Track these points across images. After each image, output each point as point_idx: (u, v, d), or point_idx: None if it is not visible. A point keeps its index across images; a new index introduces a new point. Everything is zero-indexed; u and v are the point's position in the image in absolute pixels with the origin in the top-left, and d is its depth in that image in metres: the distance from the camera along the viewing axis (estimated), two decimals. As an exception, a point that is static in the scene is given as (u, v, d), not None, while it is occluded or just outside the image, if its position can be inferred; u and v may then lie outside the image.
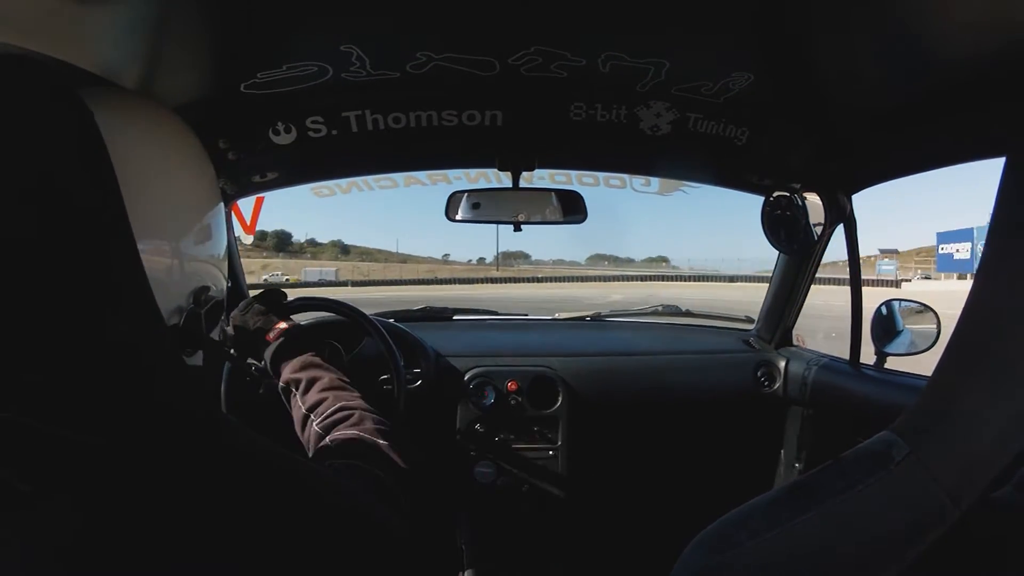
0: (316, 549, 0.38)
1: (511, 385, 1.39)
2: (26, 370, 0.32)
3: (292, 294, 1.12)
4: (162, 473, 0.35)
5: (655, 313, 1.87)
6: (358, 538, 0.42)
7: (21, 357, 0.32)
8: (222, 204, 0.58)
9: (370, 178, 1.52)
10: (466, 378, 1.40)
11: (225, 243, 0.59)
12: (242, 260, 1.51)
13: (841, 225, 1.35)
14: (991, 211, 0.38)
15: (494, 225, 1.45)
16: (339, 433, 0.67)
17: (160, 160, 0.49)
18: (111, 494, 0.34)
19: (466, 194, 1.37)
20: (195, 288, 0.51)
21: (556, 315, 1.90)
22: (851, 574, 0.35)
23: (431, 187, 1.61)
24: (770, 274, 1.58)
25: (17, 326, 0.32)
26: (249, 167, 1.31)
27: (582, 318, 1.83)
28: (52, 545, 0.32)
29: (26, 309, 0.32)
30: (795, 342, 1.60)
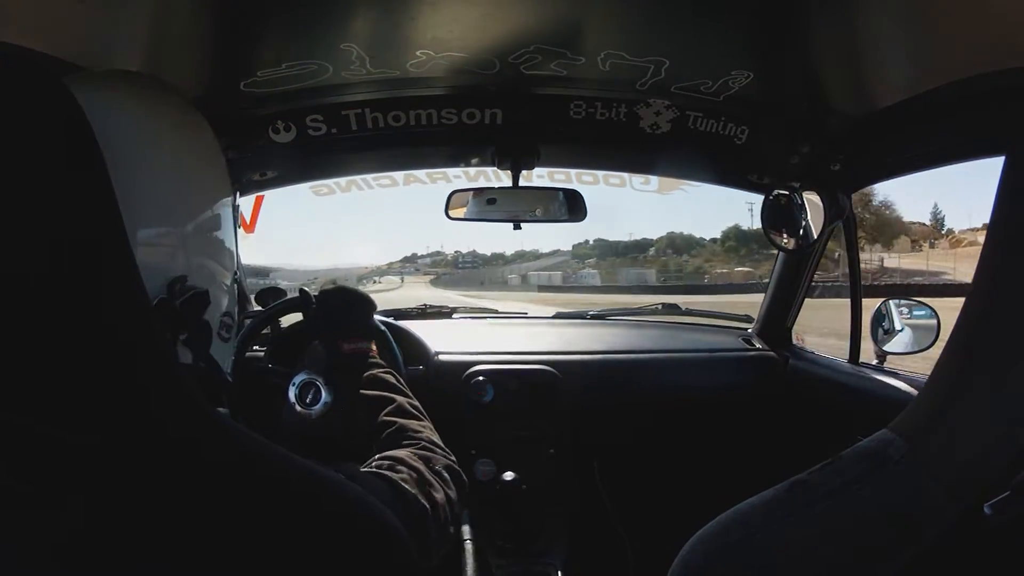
0: (312, 547, 0.38)
1: (511, 383, 1.39)
2: (16, 370, 0.32)
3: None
4: (157, 472, 0.35)
5: (655, 312, 1.87)
6: (355, 537, 0.42)
7: (10, 357, 0.32)
8: (227, 197, 0.57)
9: (370, 177, 1.52)
10: (465, 375, 1.40)
11: (230, 237, 0.58)
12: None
13: (840, 224, 1.35)
14: (991, 209, 0.38)
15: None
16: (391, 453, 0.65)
17: (144, 144, 0.47)
18: (110, 494, 0.34)
19: (465, 193, 1.37)
20: (171, 278, 0.49)
21: (556, 313, 1.90)
22: (848, 572, 0.35)
23: (431, 186, 1.61)
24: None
25: (5, 325, 0.32)
26: (249, 166, 1.31)
27: (583, 315, 1.83)
28: (51, 545, 0.32)
29: (13, 309, 0.32)
30: (795, 341, 1.60)
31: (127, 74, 0.51)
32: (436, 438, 0.71)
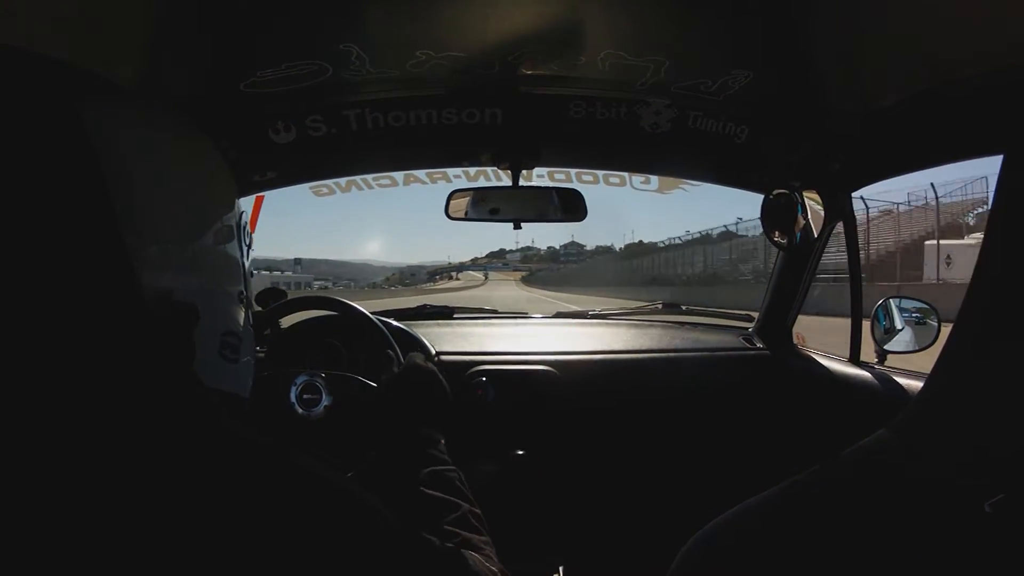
0: (311, 543, 0.38)
1: (512, 383, 1.39)
2: (13, 371, 0.33)
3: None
4: (153, 471, 0.35)
5: (655, 311, 1.87)
6: (354, 531, 0.42)
7: (9, 358, 0.33)
8: (230, 212, 0.55)
9: (370, 177, 1.52)
10: (466, 376, 1.40)
11: (235, 250, 0.55)
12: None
13: (840, 223, 1.35)
14: (990, 206, 0.38)
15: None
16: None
17: (145, 162, 0.46)
18: (106, 493, 0.34)
19: (466, 193, 1.37)
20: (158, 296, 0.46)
21: (556, 313, 1.90)
22: (847, 573, 0.35)
23: (431, 186, 1.61)
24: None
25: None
26: (249, 166, 1.31)
27: (583, 315, 1.83)
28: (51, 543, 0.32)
29: (11, 311, 0.33)
30: (795, 340, 1.60)
31: (130, 92, 0.51)
32: (494, 557, 0.66)
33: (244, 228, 0.57)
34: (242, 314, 0.56)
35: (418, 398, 0.85)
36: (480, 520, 0.71)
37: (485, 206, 1.36)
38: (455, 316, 1.73)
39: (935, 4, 0.74)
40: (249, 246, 0.59)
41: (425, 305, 1.75)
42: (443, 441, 0.81)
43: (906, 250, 15.37)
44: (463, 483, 0.76)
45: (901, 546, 0.34)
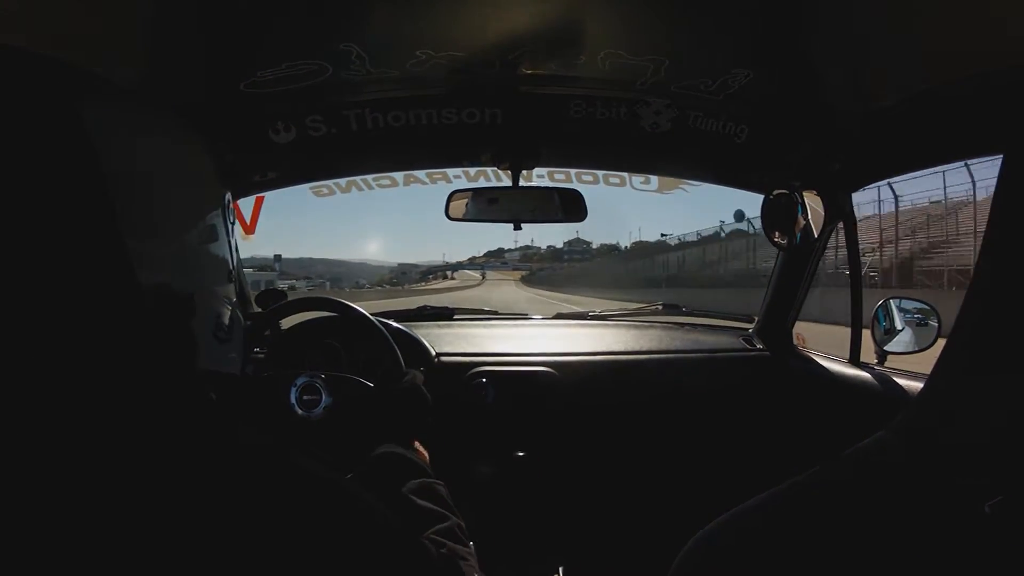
0: (312, 543, 0.38)
1: (512, 384, 1.39)
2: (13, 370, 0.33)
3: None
4: (154, 469, 0.35)
5: (656, 312, 1.87)
6: (355, 531, 0.42)
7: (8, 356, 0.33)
8: (216, 209, 0.56)
9: (370, 177, 1.52)
10: (466, 377, 1.40)
11: (224, 246, 0.57)
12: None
13: (840, 224, 1.35)
14: (991, 207, 0.38)
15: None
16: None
17: (137, 160, 0.45)
18: (106, 492, 0.34)
19: (465, 193, 1.37)
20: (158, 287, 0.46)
21: (557, 314, 1.90)
22: (847, 574, 0.35)
23: (431, 186, 1.61)
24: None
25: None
26: (249, 167, 1.31)
27: (583, 316, 1.83)
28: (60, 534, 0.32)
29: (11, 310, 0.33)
30: (795, 341, 1.60)
31: (130, 92, 0.51)
32: (477, 568, 0.68)
33: (229, 210, 0.59)
34: (232, 308, 0.57)
35: (410, 420, 0.95)
36: (464, 532, 0.72)
37: (485, 206, 1.36)
38: (455, 317, 1.73)
39: (935, 4, 0.74)
40: (233, 224, 0.60)
41: (425, 306, 1.75)
42: (428, 457, 0.87)
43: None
44: (449, 497, 0.78)
45: (901, 547, 0.34)
